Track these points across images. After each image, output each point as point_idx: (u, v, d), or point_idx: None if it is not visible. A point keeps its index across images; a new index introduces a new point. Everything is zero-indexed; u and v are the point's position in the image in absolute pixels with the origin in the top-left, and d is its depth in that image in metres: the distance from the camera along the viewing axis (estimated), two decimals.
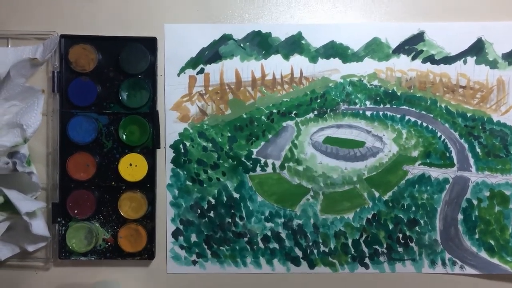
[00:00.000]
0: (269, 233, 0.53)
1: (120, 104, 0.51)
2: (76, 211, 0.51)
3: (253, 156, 0.53)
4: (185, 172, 0.53)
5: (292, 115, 0.53)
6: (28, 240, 0.50)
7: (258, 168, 0.53)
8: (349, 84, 0.53)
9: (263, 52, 0.52)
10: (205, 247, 0.53)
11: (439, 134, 0.53)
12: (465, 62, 0.52)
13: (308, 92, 0.53)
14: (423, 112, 0.53)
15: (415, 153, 0.53)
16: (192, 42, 0.52)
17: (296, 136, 0.53)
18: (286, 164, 0.53)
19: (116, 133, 0.52)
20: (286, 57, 0.52)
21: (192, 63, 0.52)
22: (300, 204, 0.53)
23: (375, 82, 0.53)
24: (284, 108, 0.53)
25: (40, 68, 0.51)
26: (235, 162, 0.53)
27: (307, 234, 0.53)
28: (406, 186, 0.53)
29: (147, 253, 0.52)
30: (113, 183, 0.52)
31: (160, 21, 0.52)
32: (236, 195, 0.53)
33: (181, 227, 0.53)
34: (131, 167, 0.51)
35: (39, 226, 0.49)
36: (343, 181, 0.53)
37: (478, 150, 0.53)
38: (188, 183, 0.53)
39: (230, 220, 0.53)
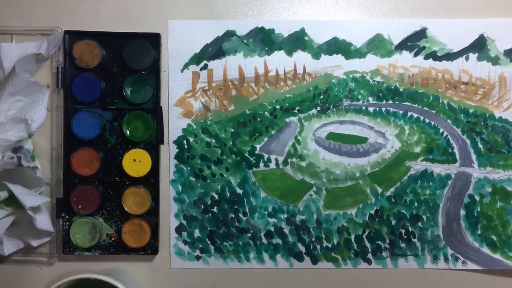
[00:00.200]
0: (272, 229, 0.53)
1: (124, 99, 0.52)
2: (80, 206, 0.52)
3: (256, 152, 0.53)
4: (189, 168, 0.53)
5: (295, 111, 0.53)
6: (32, 235, 0.50)
7: (261, 164, 0.53)
8: (351, 80, 0.53)
9: (266, 48, 0.53)
10: (209, 242, 0.53)
11: (441, 130, 0.53)
12: (467, 58, 0.53)
13: (311, 88, 0.53)
14: (425, 108, 0.53)
15: (417, 149, 0.53)
16: (196, 38, 0.52)
17: (299, 132, 0.53)
18: (289, 160, 0.53)
19: (120, 129, 0.52)
20: (289, 53, 0.53)
21: (196, 59, 0.53)
22: (303, 200, 0.53)
23: (378, 78, 0.53)
24: (287, 104, 0.53)
25: (44, 64, 0.52)
26: (239, 158, 0.53)
27: (310, 229, 0.53)
28: (408, 182, 0.53)
29: (151, 249, 0.52)
30: (117, 178, 0.52)
31: (164, 17, 0.52)
32: (239, 191, 0.53)
33: (184, 222, 0.53)
34: (135, 162, 0.52)
35: (44, 221, 0.49)
36: (346, 177, 0.53)
37: (480, 146, 0.53)
38: (192, 178, 0.53)
39: (233, 216, 0.53)
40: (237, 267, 0.53)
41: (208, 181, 0.53)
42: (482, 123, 0.53)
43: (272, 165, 0.53)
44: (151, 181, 0.52)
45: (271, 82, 0.53)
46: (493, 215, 0.53)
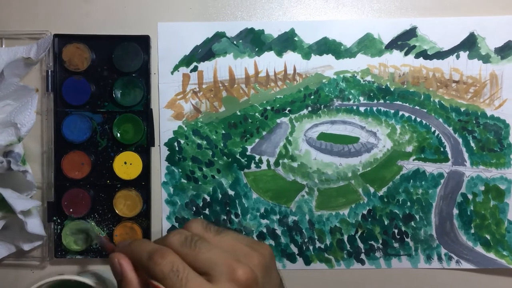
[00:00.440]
0: (264, 230, 0.53)
1: (114, 102, 0.52)
2: (71, 210, 0.52)
3: (248, 153, 0.53)
4: (180, 170, 0.53)
5: (286, 111, 0.53)
6: (24, 239, 0.50)
7: (253, 165, 0.53)
8: (342, 80, 0.53)
9: (256, 49, 0.53)
10: None
11: (433, 129, 0.53)
12: (457, 57, 0.52)
13: (302, 89, 0.53)
14: (416, 107, 0.53)
15: (409, 148, 0.53)
16: (185, 40, 0.52)
17: (290, 132, 0.53)
18: (280, 161, 0.53)
19: (110, 132, 0.52)
20: (279, 54, 0.53)
21: (186, 61, 0.52)
22: (295, 201, 0.53)
23: (368, 78, 0.53)
24: (278, 105, 0.53)
25: (34, 68, 0.52)
26: (230, 159, 0.53)
27: (303, 230, 0.53)
28: (401, 181, 0.53)
29: None
30: (108, 181, 0.52)
31: (153, 19, 0.52)
32: (231, 192, 0.53)
33: (176, 224, 0.53)
34: (126, 165, 0.51)
35: (35, 225, 0.49)
36: (338, 177, 0.53)
37: (473, 144, 0.53)
38: (183, 180, 0.53)
39: (225, 217, 0.53)
40: None
41: (199, 183, 0.53)
42: (474, 122, 0.53)
43: (264, 166, 0.53)
44: (142, 183, 0.52)
45: (261, 83, 0.53)
46: (487, 214, 0.53)
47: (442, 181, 0.53)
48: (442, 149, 0.53)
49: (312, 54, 0.52)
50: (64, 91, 0.51)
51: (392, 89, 0.53)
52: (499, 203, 0.53)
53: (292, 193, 0.53)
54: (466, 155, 0.53)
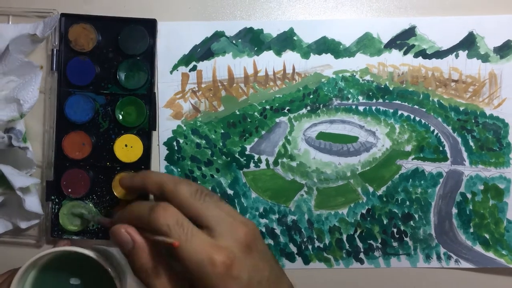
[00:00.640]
0: (263, 229, 0.53)
1: (118, 85, 0.52)
2: (70, 190, 0.52)
3: (247, 153, 0.53)
4: (179, 169, 0.53)
5: (285, 111, 0.53)
6: (21, 217, 0.50)
7: (252, 165, 0.53)
8: (341, 79, 0.53)
9: (255, 48, 0.53)
10: None
11: (432, 128, 0.53)
12: (456, 56, 0.52)
13: (301, 88, 0.53)
14: (415, 106, 0.53)
15: (408, 148, 0.53)
16: (185, 39, 0.52)
17: (289, 132, 0.53)
18: (279, 160, 0.53)
19: (112, 114, 0.52)
20: (278, 53, 0.53)
21: (185, 60, 0.53)
22: (294, 200, 0.53)
23: (368, 77, 0.53)
24: (277, 104, 0.53)
25: (39, 46, 0.52)
26: (229, 159, 0.53)
27: (302, 230, 0.53)
28: (400, 180, 0.53)
29: None
30: (108, 163, 0.52)
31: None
32: (230, 192, 0.53)
33: None
34: (127, 148, 0.51)
35: (33, 203, 0.49)
36: (336, 177, 0.53)
37: (472, 143, 0.53)
38: None
39: None
40: None
41: (198, 182, 0.53)
42: (473, 121, 0.53)
43: (263, 166, 0.53)
44: (142, 167, 0.52)
45: (260, 82, 0.53)
46: (486, 213, 0.53)
47: (441, 180, 0.53)
48: (441, 148, 0.53)
49: (311, 54, 0.53)
50: (69, 71, 0.51)
51: (391, 89, 0.53)
52: (498, 202, 0.53)
53: (291, 193, 0.53)
54: (465, 155, 0.53)
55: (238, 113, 0.53)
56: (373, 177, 0.53)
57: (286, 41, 0.53)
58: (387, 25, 0.52)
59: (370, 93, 0.53)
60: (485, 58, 0.52)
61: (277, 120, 0.53)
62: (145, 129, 0.52)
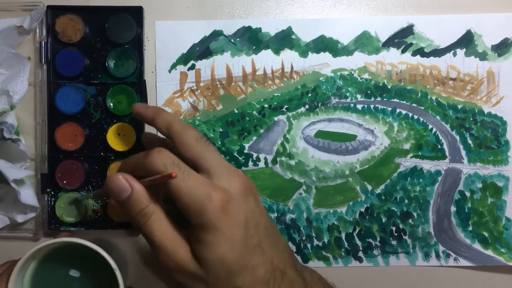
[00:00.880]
0: None
1: (108, 74, 0.52)
2: (65, 182, 0.52)
3: (245, 151, 0.53)
4: None
5: (284, 109, 0.53)
6: (18, 211, 0.51)
7: (251, 163, 0.53)
8: (339, 78, 0.53)
9: (254, 47, 0.53)
10: None
11: (430, 126, 0.53)
12: (454, 54, 0.52)
13: (299, 87, 0.53)
14: (414, 104, 0.53)
15: (406, 146, 0.53)
16: (183, 38, 0.52)
17: (287, 130, 0.53)
18: (278, 159, 0.53)
19: (104, 104, 0.52)
20: (277, 52, 0.53)
21: (183, 59, 0.53)
22: (293, 199, 0.53)
23: (366, 76, 0.53)
24: (275, 103, 0.53)
25: (27, 39, 0.52)
26: (228, 157, 0.53)
27: (300, 228, 0.53)
28: (398, 179, 0.53)
29: None
30: (102, 153, 0.52)
31: (151, 18, 0.52)
32: None
33: None
34: (120, 136, 0.52)
35: (28, 196, 0.49)
36: (335, 175, 0.53)
37: (470, 141, 0.53)
38: None
39: None
40: None
41: None
42: (471, 119, 0.53)
43: (261, 164, 0.53)
44: None
45: (259, 81, 0.53)
46: (484, 211, 0.53)
47: (439, 178, 0.53)
48: (439, 147, 0.53)
49: (309, 52, 0.53)
50: (58, 63, 0.51)
51: (389, 87, 0.53)
52: (497, 200, 0.53)
53: (290, 191, 0.53)
54: (463, 153, 0.53)
55: (236, 111, 0.53)
56: (372, 175, 0.53)
57: (284, 39, 0.53)
58: (385, 23, 0.53)
59: (368, 92, 0.53)
60: (483, 56, 0.52)
61: (276, 118, 0.53)
62: None
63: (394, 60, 0.53)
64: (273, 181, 0.53)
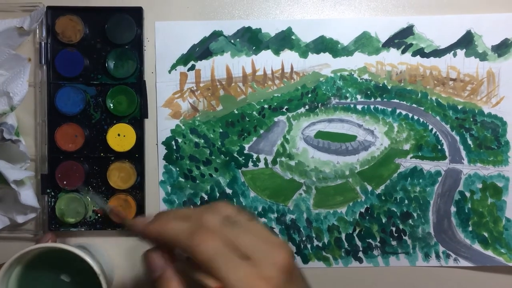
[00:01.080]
0: None
1: (108, 75, 0.52)
2: (65, 182, 0.52)
3: (245, 152, 0.53)
4: (178, 169, 0.53)
5: (284, 110, 0.53)
6: (18, 212, 0.51)
7: (251, 164, 0.53)
8: (339, 78, 0.53)
9: (254, 48, 0.53)
10: None
11: (430, 127, 0.53)
12: (454, 54, 0.52)
13: (299, 87, 0.53)
14: (414, 105, 0.53)
15: (406, 146, 0.53)
16: (183, 39, 0.52)
17: (287, 131, 0.53)
18: (278, 159, 0.53)
19: (104, 104, 0.52)
20: (277, 52, 0.53)
21: (183, 59, 0.53)
22: (293, 199, 0.53)
23: (366, 76, 0.53)
24: (275, 103, 0.53)
25: (27, 40, 0.52)
26: (227, 158, 0.53)
27: (300, 229, 0.53)
28: (398, 179, 0.53)
29: None
30: (101, 154, 0.52)
31: (151, 19, 0.52)
32: (229, 191, 0.53)
33: None
34: (120, 137, 0.52)
35: (28, 196, 0.49)
36: (335, 175, 0.53)
37: (470, 142, 0.53)
38: (181, 179, 0.53)
39: None
40: None
41: (197, 181, 0.53)
42: (471, 119, 0.53)
43: (261, 165, 0.53)
44: (136, 156, 0.52)
45: (258, 81, 0.53)
46: (484, 212, 0.53)
47: (439, 179, 0.53)
48: (439, 147, 0.53)
49: (309, 53, 0.53)
50: (58, 63, 0.52)
51: (389, 87, 0.53)
52: (497, 200, 0.53)
53: (290, 192, 0.53)
54: (463, 153, 0.53)
55: (236, 112, 0.53)
56: (372, 175, 0.53)
57: (284, 40, 0.53)
58: (385, 24, 0.52)
59: (368, 92, 0.53)
60: (483, 57, 0.52)
61: (276, 119, 0.53)
62: (137, 118, 0.52)
63: (394, 60, 0.53)
64: (273, 181, 0.53)
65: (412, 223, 0.53)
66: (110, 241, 0.53)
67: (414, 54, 0.53)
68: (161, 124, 0.53)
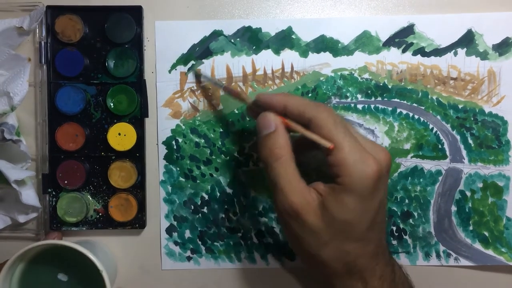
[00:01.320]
0: (263, 228, 0.53)
1: (108, 74, 0.52)
2: (66, 182, 0.52)
3: (246, 151, 0.53)
4: (178, 169, 0.53)
5: None
6: (19, 211, 0.51)
7: (251, 163, 0.53)
8: (340, 77, 0.53)
9: (254, 47, 0.53)
10: (199, 243, 0.53)
11: (431, 126, 0.53)
12: (455, 53, 0.52)
13: (299, 87, 0.53)
14: (414, 104, 0.53)
15: (407, 146, 0.53)
16: (183, 38, 0.52)
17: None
18: None
19: (104, 104, 0.52)
20: (277, 52, 0.53)
21: (183, 59, 0.53)
22: None
23: (366, 75, 0.53)
24: None
25: (27, 40, 0.52)
26: (228, 158, 0.53)
27: None
28: (399, 178, 0.53)
29: (138, 223, 0.52)
30: (102, 153, 0.52)
31: (150, 18, 0.52)
32: (229, 191, 0.53)
33: (175, 223, 0.53)
34: (120, 136, 0.52)
35: (29, 196, 0.49)
36: None
37: (471, 141, 0.53)
38: (181, 179, 0.53)
39: (223, 216, 0.53)
40: (228, 267, 0.53)
41: (197, 181, 0.53)
42: (472, 119, 0.53)
43: (262, 164, 0.53)
44: (136, 155, 0.52)
45: (259, 81, 0.53)
46: (485, 211, 0.53)
47: (440, 178, 0.53)
48: (440, 146, 0.53)
49: (310, 52, 0.52)
50: (57, 63, 0.52)
51: (389, 87, 0.53)
52: (498, 200, 0.53)
53: None
54: (464, 152, 0.53)
55: (236, 112, 0.53)
56: None
57: (285, 39, 0.52)
58: (385, 23, 0.52)
59: (369, 91, 0.53)
60: (483, 56, 0.52)
61: None
62: (137, 117, 0.52)
63: (395, 59, 0.52)
64: None
65: (413, 223, 0.53)
66: (111, 240, 0.54)
67: (414, 53, 0.52)
68: (161, 124, 0.53)
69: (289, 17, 0.53)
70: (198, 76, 0.52)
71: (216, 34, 0.52)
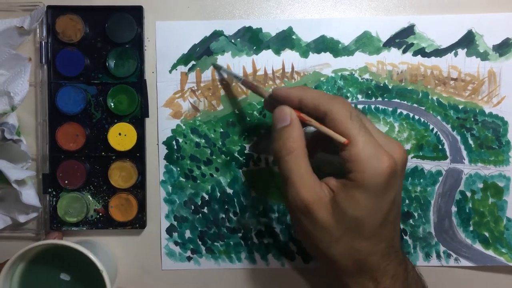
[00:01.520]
0: (263, 228, 0.53)
1: (108, 74, 0.52)
2: (66, 182, 0.52)
3: (246, 152, 0.53)
4: (179, 169, 0.53)
5: None
6: (20, 211, 0.51)
7: (251, 163, 0.53)
8: (340, 78, 0.53)
9: (254, 47, 0.53)
10: (200, 243, 0.53)
11: (431, 126, 0.53)
12: (456, 54, 0.52)
13: None
14: (414, 105, 0.53)
15: (407, 146, 0.53)
16: (183, 39, 0.52)
17: None
18: None
19: (104, 104, 0.52)
20: (277, 52, 0.53)
21: (184, 59, 0.53)
22: None
23: (367, 76, 0.53)
24: None
25: (27, 40, 0.52)
26: (228, 158, 0.53)
27: None
28: None
29: (138, 223, 0.53)
30: (103, 153, 0.52)
31: (151, 18, 0.52)
32: (229, 191, 0.53)
33: (175, 223, 0.53)
34: (121, 136, 0.52)
35: (30, 196, 0.49)
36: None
37: (471, 142, 0.53)
38: (182, 179, 0.53)
39: (224, 216, 0.53)
40: (228, 267, 0.53)
41: (198, 181, 0.53)
42: (472, 119, 0.53)
43: (262, 165, 0.53)
44: (137, 155, 0.52)
45: (259, 81, 0.53)
46: (485, 211, 0.53)
47: (440, 178, 0.53)
48: (440, 147, 0.53)
49: (310, 52, 0.53)
50: (58, 63, 0.52)
51: (390, 87, 0.53)
52: (498, 200, 0.53)
53: None
54: (464, 153, 0.53)
55: (237, 112, 0.53)
56: None
57: (285, 40, 0.53)
58: (386, 23, 0.52)
59: (369, 92, 0.53)
60: (484, 56, 0.52)
61: None
62: (138, 117, 0.52)
63: (395, 60, 0.53)
64: (274, 181, 0.53)
65: (413, 223, 0.53)
66: (111, 240, 0.54)
67: (415, 53, 0.52)
68: (161, 124, 0.53)
69: (289, 18, 0.53)
70: (218, 68, 0.52)
71: (217, 34, 0.52)
